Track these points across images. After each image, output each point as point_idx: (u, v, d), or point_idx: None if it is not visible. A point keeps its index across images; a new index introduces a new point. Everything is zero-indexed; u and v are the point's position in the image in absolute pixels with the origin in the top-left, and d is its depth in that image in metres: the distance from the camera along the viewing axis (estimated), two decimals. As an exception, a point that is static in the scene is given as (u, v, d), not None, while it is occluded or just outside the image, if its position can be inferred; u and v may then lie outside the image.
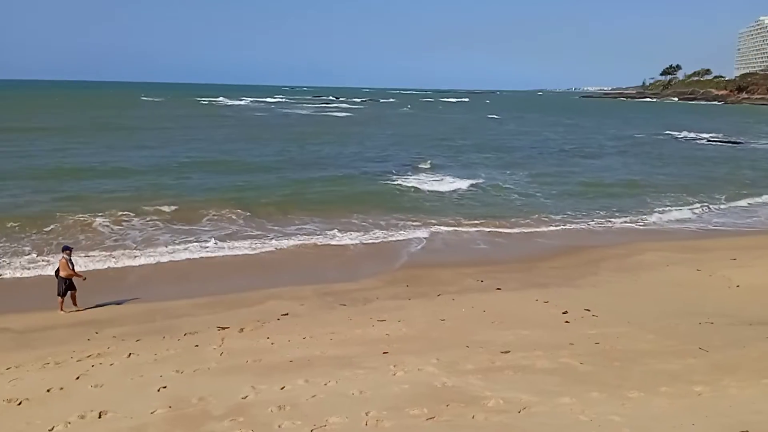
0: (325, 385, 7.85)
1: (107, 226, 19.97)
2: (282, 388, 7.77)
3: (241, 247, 18.47)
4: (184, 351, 10.09)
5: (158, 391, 7.96)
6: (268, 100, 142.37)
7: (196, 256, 17.56)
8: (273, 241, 19.16)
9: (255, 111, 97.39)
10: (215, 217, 21.68)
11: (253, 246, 18.66)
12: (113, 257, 16.98)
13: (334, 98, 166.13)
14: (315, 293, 14.46)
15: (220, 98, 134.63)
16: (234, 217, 21.90)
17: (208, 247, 18.30)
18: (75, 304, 13.46)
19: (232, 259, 17.60)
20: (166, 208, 22.15)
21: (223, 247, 18.35)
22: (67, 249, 13.93)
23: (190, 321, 12.28)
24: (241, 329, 11.40)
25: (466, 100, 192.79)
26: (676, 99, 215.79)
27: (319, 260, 17.78)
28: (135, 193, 25.25)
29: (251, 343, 10.43)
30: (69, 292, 13.36)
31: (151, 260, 16.93)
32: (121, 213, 21.20)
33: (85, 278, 13.70)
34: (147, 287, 14.91)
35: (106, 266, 16.32)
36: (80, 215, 20.67)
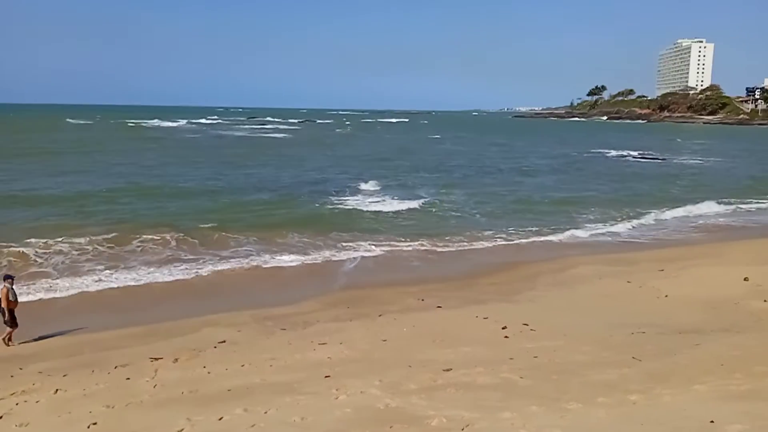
0: (265, 413, 7.62)
1: (30, 255, 18.92)
2: (220, 419, 7.50)
3: (175, 273, 17.86)
4: (115, 385, 9.63)
5: (88, 428, 7.58)
6: (203, 121, 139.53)
7: (126, 284, 16.86)
8: (208, 266, 18.65)
9: (188, 133, 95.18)
10: (146, 243, 20.90)
11: (187, 271, 18.08)
12: (37, 288, 16.10)
13: (271, 119, 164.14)
14: (253, 318, 14.12)
15: (155, 120, 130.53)
16: (166, 242, 21.16)
17: (138, 274, 17.60)
18: (8, 336, 12.64)
19: (164, 285, 17.00)
20: (92, 236, 21.20)
21: (155, 273, 17.71)
22: (9, 278, 13.15)
23: (121, 353, 11.73)
24: (176, 359, 10.97)
25: (406, 120, 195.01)
26: (605, 118, 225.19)
27: (256, 283, 17.43)
28: (60, 220, 24.11)
29: (186, 373, 10.05)
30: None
31: (77, 290, 16.13)
32: (45, 241, 20.10)
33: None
34: (74, 318, 14.16)
35: (29, 298, 15.42)
36: (1, 244, 19.56)
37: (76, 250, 19.62)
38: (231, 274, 18.14)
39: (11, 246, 19.53)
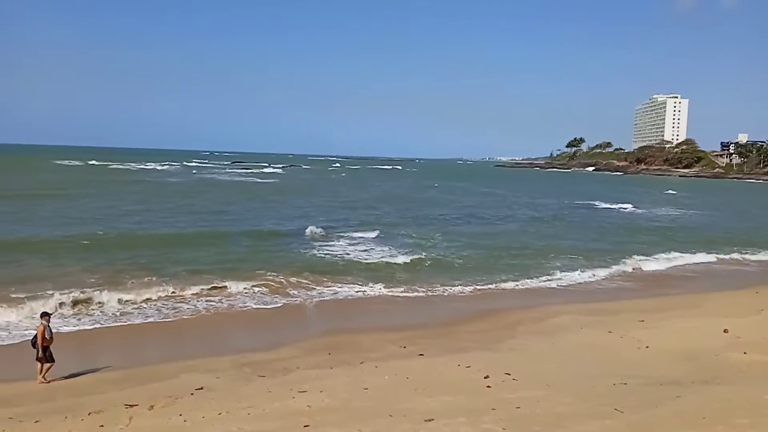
0: (243, 463, 7.43)
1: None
2: (195, 469, 7.29)
3: (151, 314, 17.55)
4: (88, 432, 9.35)
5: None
6: (192, 164, 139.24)
7: (99, 325, 16.53)
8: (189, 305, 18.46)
9: (173, 176, 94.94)
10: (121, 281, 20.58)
11: (164, 312, 17.76)
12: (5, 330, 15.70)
13: (266, 164, 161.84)
14: (232, 364, 13.88)
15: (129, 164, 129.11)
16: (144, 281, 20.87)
17: (113, 314, 17.26)
18: (43, 373, 12.78)
19: (140, 327, 16.71)
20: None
21: (132, 314, 17.41)
22: (45, 315, 13.35)
23: (96, 398, 11.43)
24: (152, 406, 10.69)
25: (399, 167, 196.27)
26: (591, 169, 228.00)
27: (235, 327, 17.20)
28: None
29: (162, 421, 9.80)
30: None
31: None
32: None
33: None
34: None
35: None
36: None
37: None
38: (209, 316, 17.91)
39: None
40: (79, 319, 16.86)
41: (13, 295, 18.09)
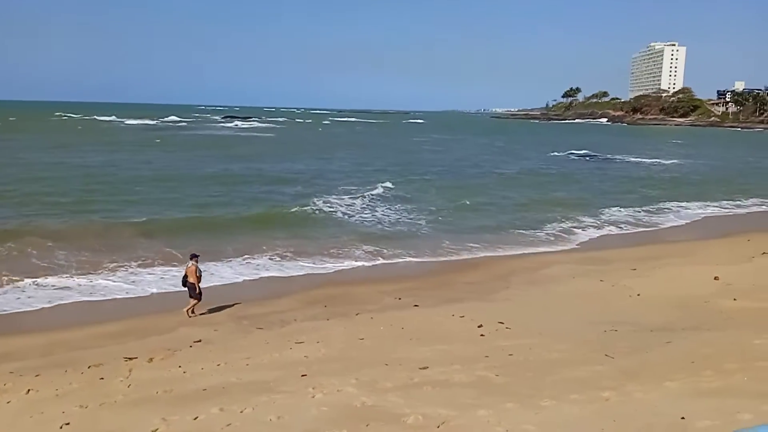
0: (241, 412, 7.59)
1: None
2: (195, 418, 7.45)
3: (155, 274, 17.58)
4: (89, 385, 9.51)
5: (61, 428, 7.49)
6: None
7: (99, 281, 16.63)
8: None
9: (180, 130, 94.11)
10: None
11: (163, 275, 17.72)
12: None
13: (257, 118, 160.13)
14: (230, 317, 14.05)
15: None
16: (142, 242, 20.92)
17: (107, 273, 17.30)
18: (192, 307, 14.12)
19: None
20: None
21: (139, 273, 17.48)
22: (195, 256, 14.58)
23: (95, 352, 11.59)
24: (151, 359, 10.87)
25: (422, 121, 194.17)
26: (605, 120, 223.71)
27: (235, 282, 17.31)
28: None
29: (161, 373, 9.96)
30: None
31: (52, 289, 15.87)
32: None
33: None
34: (47, 317, 13.95)
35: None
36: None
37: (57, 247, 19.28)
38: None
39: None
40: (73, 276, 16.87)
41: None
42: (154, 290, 16.19)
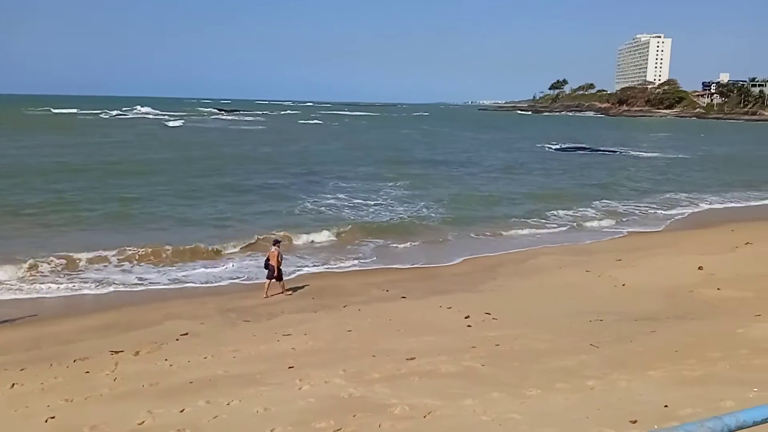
0: (228, 404, 7.59)
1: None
2: (182, 411, 7.44)
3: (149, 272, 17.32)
4: (74, 378, 9.45)
5: (46, 421, 7.44)
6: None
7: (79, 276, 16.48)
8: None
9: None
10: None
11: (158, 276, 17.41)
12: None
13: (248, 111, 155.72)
14: (216, 310, 13.98)
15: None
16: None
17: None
18: (283, 288, 15.50)
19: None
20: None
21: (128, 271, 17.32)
22: (277, 242, 16.24)
23: (80, 346, 11.50)
24: (137, 352, 10.81)
25: (426, 114, 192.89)
26: (592, 113, 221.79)
27: (221, 273, 17.24)
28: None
29: (148, 366, 9.92)
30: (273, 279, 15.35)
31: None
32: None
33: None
34: (31, 310, 13.83)
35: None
36: None
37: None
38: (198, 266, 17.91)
39: None
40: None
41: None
42: (142, 283, 16.11)
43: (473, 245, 21.57)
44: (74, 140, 55.94)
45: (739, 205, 32.10)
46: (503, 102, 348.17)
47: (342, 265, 18.60)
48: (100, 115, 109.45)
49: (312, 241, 21.12)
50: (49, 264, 16.74)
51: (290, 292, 15.55)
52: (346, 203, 28.42)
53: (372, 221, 24.56)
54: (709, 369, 7.78)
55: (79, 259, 17.28)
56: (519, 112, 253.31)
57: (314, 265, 18.49)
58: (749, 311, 11.30)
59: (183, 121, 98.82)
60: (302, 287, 16.08)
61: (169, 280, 16.60)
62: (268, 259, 15.49)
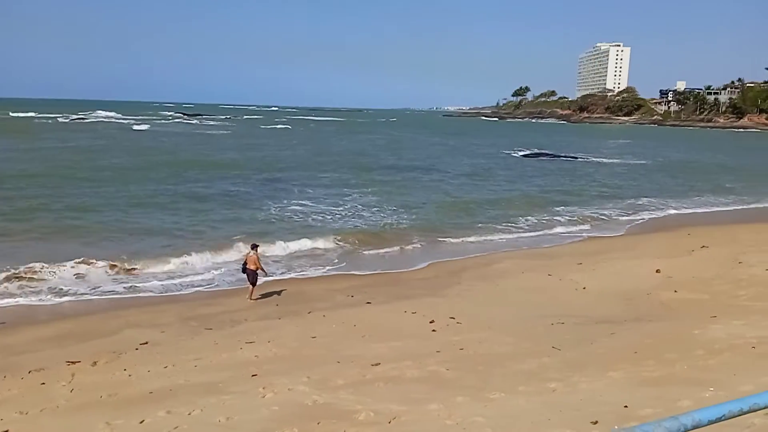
0: (189, 414, 7.44)
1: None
2: (141, 422, 7.27)
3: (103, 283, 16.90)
4: (29, 390, 9.16)
5: (-2, 436, 7.16)
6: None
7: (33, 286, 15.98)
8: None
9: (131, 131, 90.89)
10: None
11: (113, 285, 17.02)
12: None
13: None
14: (177, 318, 13.72)
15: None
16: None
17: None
18: (250, 295, 15.32)
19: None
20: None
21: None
22: (255, 246, 15.94)
23: (36, 357, 11.14)
24: (94, 362, 10.52)
25: (393, 119, 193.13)
26: (553, 119, 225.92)
27: (182, 281, 16.93)
28: None
29: (106, 376, 9.67)
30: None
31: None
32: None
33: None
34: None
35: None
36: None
37: None
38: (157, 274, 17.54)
39: None
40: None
41: None
42: (98, 292, 15.71)
43: (438, 250, 21.69)
44: (31, 144, 54.37)
45: (695, 210, 32.98)
46: (468, 108, 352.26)
47: (306, 272, 18.48)
48: (59, 119, 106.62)
49: (277, 247, 20.91)
50: None
51: (255, 299, 15.42)
52: (312, 209, 28.26)
53: (338, 228, 24.46)
54: (667, 370, 7.96)
55: (33, 269, 16.71)
56: (483, 118, 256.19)
57: (279, 272, 18.30)
58: (705, 313, 11.61)
59: (149, 125, 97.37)
60: (266, 294, 15.91)
61: (126, 288, 16.17)
62: (245, 264, 15.49)
